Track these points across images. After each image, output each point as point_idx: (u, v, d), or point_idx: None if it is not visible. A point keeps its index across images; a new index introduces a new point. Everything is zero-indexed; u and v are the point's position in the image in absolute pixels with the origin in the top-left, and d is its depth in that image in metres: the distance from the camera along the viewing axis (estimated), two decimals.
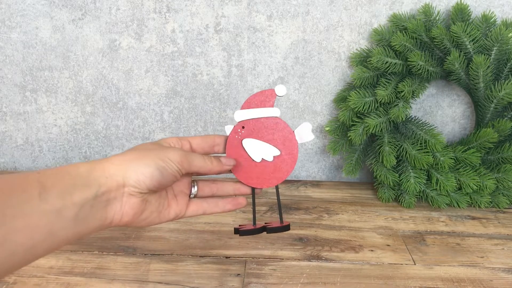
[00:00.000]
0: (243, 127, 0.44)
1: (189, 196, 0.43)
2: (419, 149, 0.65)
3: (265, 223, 0.45)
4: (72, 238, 0.33)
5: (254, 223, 0.45)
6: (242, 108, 0.44)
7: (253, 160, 0.44)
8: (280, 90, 0.43)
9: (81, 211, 0.33)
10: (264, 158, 0.43)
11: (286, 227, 0.44)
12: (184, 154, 0.39)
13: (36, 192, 0.30)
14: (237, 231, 0.44)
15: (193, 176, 0.44)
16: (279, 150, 0.43)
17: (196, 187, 0.44)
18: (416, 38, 0.66)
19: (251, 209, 0.45)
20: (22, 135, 0.79)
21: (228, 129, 0.44)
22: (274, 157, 0.43)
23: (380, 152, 0.67)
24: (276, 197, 0.44)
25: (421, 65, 0.64)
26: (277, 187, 0.45)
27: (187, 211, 0.43)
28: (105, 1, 0.70)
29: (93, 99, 0.76)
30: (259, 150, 0.44)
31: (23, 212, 0.29)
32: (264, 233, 0.43)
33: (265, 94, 0.44)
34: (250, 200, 0.45)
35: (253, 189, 0.44)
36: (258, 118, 0.44)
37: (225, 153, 0.44)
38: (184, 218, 0.43)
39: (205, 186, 0.44)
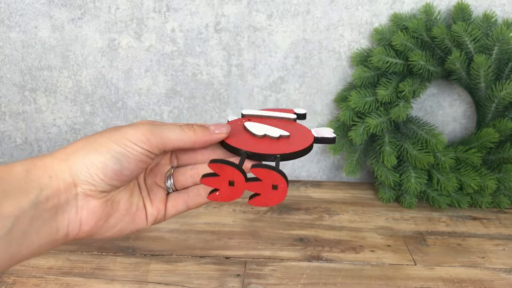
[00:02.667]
0: (249, 119, 0.35)
1: (167, 191, 0.35)
2: (420, 149, 0.65)
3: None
4: (8, 263, 0.25)
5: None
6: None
7: (254, 135, 0.34)
8: (299, 110, 0.37)
9: (17, 225, 0.25)
10: (268, 134, 0.34)
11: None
12: (149, 128, 0.29)
13: None
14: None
15: (172, 164, 0.35)
16: (288, 132, 0.34)
17: (171, 178, 0.34)
18: (417, 38, 0.65)
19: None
20: (21, 135, 0.78)
21: (230, 119, 0.36)
22: (281, 135, 0.33)
23: (380, 152, 0.67)
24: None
25: (422, 65, 0.63)
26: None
27: (167, 210, 0.34)
28: (104, 0, 0.69)
29: (92, 98, 0.75)
30: (263, 128, 0.34)
31: None
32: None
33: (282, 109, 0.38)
34: None
35: (243, 153, 0.32)
36: (270, 116, 0.36)
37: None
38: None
39: (181, 174, 0.34)
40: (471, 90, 0.67)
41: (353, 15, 0.69)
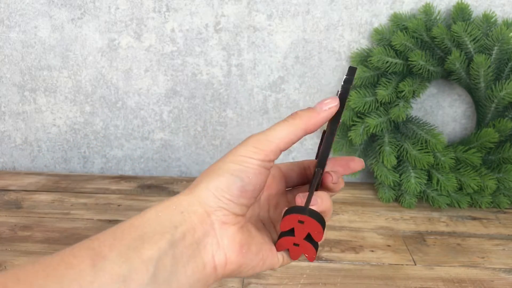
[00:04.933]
0: None
1: None
2: (419, 149, 0.65)
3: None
4: None
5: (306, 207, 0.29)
6: None
7: None
8: None
9: (160, 268, 0.24)
10: None
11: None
12: (255, 138, 0.29)
13: (87, 263, 0.23)
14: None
15: (287, 187, 0.34)
16: None
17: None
18: (416, 38, 0.65)
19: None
20: (21, 135, 0.78)
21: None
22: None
23: (380, 152, 0.67)
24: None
25: (421, 65, 0.63)
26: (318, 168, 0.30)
27: None
28: (104, 0, 0.69)
29: (92, 98, 0.75)
30: None
31: None
32: None
33: None
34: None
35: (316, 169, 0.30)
36: None
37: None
38: None
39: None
40: (471, 90, 0.67)
41: (353, 15, 0.69)
